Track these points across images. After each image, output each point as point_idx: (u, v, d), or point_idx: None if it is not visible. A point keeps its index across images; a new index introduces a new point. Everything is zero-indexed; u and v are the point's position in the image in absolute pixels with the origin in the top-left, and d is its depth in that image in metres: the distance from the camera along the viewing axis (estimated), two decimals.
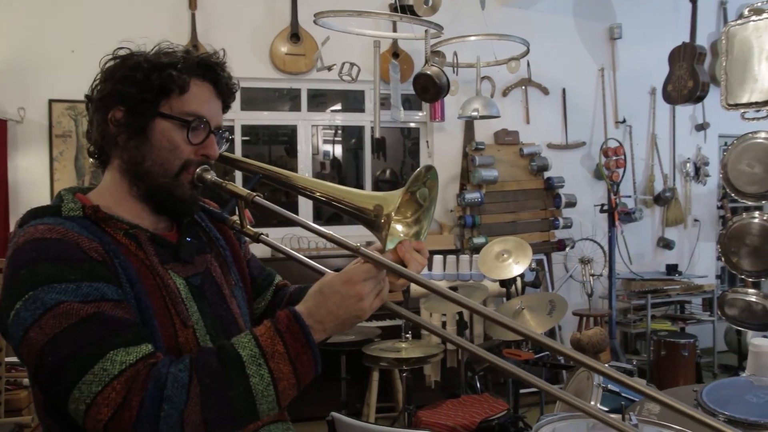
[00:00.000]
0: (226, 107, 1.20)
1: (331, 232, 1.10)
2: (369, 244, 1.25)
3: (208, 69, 1.14)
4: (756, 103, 3.23)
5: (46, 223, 1.02)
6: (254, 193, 1.12)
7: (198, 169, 1.12)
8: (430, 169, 1.11)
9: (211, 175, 1.13)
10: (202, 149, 1.13)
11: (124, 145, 1.10)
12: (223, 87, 1.17)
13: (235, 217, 1.21)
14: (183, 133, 1.10)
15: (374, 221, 1.06)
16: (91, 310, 0.94)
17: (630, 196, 5.25)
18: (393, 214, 1.04)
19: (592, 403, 2.53)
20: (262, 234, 1.18)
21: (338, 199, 1.13)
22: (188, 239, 1.17)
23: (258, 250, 4.15)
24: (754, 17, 3.17)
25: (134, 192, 1.12)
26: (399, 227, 1.13)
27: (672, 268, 5.20)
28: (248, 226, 1.19)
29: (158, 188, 1.11)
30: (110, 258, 1.02)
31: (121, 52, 1.12)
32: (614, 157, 4.93)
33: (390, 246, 1.08)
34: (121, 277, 1.02)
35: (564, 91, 5.17)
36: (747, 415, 1.53)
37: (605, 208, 4.74)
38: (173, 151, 1.10)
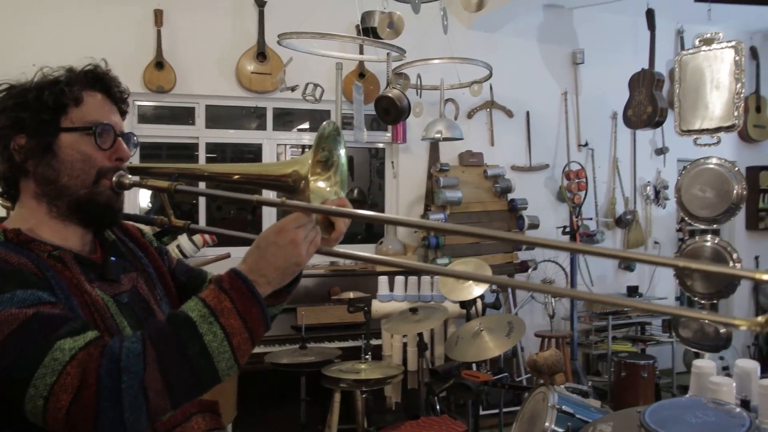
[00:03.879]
0: (122, 114, 1.22)
1: (255, 196, 1.15)
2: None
3: (97, 79, 1.16)
4: (707, 130, 3.33)
5: None
6: (175, 183, 1.15)
7: (114, 177, 1.14)
8: (332, 131, 1.19)
9: (128, 180, 1.15)
10: (113, 154, 1.15)
11: (34, 170, 1.11)
12: (115, 95, 1.19)
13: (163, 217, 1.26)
14: (91, 142, 1.12)
15: (294, 186, 1.14)
16: (31, 312, 0.94)
17: (592, 219, 5.34)
18: (309, 175, 1.12)
19: (546, 424, 2.55)
20: (191, 224, 1.23)
21: (258, 175, 1.20)
22: (112, 259, 1.18)
23: (223, 268, 4.10)
24: (704, 47, 3.28)
25: (54, 213, 1.13)
26: (321, 184, 1.21)
27: (633, 290, 5.29)
28: (175, 219, 1.23)
29: (80, 200, 1.12)
30: (41, 272, 1.02)
31: (2, 87, 1.13)
32: (576, 180, 5.03)
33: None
34: (55, 289, 1.02)
35: (528, 114, 5.26)
36: None
37: (567, 230, 4.82)
38: (86, 161, 1.12)
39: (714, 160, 3.37)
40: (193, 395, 1.00)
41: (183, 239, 3.84)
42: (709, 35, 3.37)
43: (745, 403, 1.85)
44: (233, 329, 0.98)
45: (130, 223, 1.36)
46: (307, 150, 4.36)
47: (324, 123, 1.18)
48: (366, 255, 1.25)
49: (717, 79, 3.30)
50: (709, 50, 3.33)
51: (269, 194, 3.14)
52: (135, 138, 1.23)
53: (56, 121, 1.10)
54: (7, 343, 0.91)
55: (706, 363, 1.92)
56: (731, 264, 3.28)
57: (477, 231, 1.10)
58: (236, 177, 1.22)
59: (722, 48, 3.28)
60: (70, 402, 0.89)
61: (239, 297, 1.00)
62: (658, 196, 5.65)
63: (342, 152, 1.22)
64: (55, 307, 0.98)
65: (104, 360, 0.90)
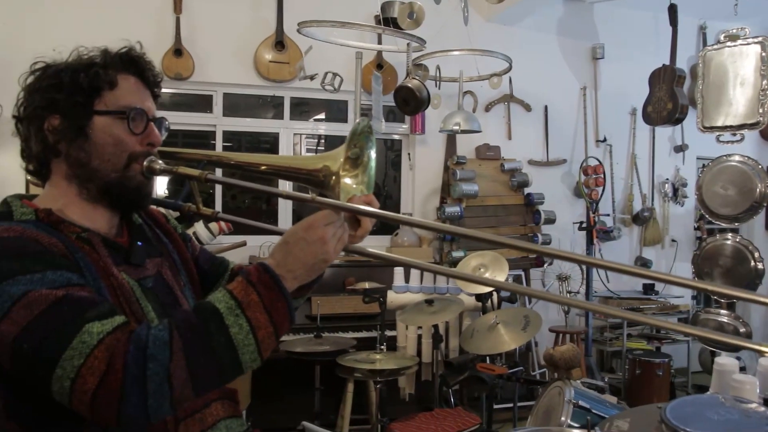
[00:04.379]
0: (155, 98, 1.22)
1: (284, 190, 1.16)
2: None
3: (132, 62, 1.16)
4: (731, 127, 3.29)
5: (1, 225, 1.03)
6: (206, 172, 1.15)
7: (145, 162, 1.14)
8: (365, 129, 1.19)
9: (159, 165, 1.15)
10: (145, 138, 1.15)
11: (66, 151, 1.11)
12: (149, 78, 1.19)
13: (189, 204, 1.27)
14: (124, 126, 1.12)
15: (324, 180, 1.14)
16: (61, 293, 0.95)
17: (609, 215, 5.29)
18: (340, 171, 1.12)
19: (563, 419, 2.53)
20: (218, 212, 1.24)
21: (287, 167, 1.20)
22: (139, 243, 1.19)
23: (239, 256, 4.11)
24: (729, 43, 3.23)
25: (84, 194, 1.13)
26: (348, 180, 1.22)
27: (649, 288, 5.24)
28: (204, 207, 1.23)
29: (110, 184, 1.12)
30: (70, 254, 1.03)
31: (38, 66, 1.13)
32: (594, 176, 4.98)
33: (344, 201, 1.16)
34: (84, 271, 1.03)
35: (546, 108, 5.22)
36: None
37: (584, 225, 4.78)
38: (118, 145, 1.12)
39: (737, 158, 3.33)
40: (215, 385, 1.02)
41: (199, 226, 3.85)
42: (734, 31, 3.32)
43: None
44: (259, 323, 0.99)
45: (156, 208, 1.37)
46: (323, 140, 4.33)
47: (358, 119, 1.17)
48: (389, 255, 1.29)
49: (742, 76, 3.26)
50: (734, 46, 3.28)
51: (285, 185, 3.12)
52: (167, 123, 1.23)
53: (90, 104, 1.10)
54: (37, 324, 0.92)
55: (728, 360, 1.89)
56: (752, 263, 3.24)
57: (506, 241, 1.10)
58: (264, 168, 1.23)
59: (748, 44, 3.24)
60: (96, 385, 0.90)
61: (266, 291, 1.01)
62: (677, 194, 5.59)
63: (372, 153, 1.22)
64: (84, 289, 0.98)
65: (131, 346, 0.92)
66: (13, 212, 1.08)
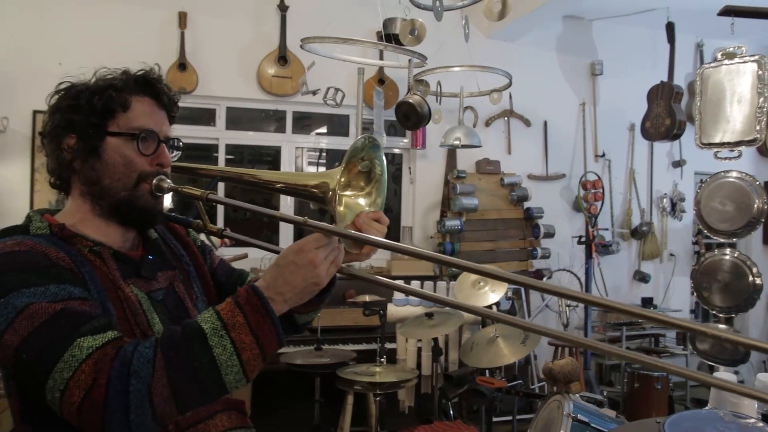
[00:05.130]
0: (171, 118, 1.25)
1: (279, 212, 1.18)
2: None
3: (147, 85, 1.20)
4: (728, 143, 3.33)
5: (15, 239, 1.08)
6: (208, 191, 1.18)
7: (155, 180, 1.18)
8: (366, 142, 1.18)
9: (167, 184, 1.19)
10: (155, 159, 1.19)
11: (80, 169, 1.16)
12: (163, 99, 1.23)
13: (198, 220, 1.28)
14: (134, 147, 1.16)
15: (323, 197, 1.14)
16: (59, 306, 0.99)
17: (607, 229, 5.33)
18: (338, 188, 1.11)
19: None
20: (225, 229, 1.25)
21: (293, 184, 1.21)
22: (150, 257, 1.23)
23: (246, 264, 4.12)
24: (726, 61, 3.28)
25: (97, 210, 1.18)
26: (361, 201, 1.21)
27: (647, 302, 5.26)
28: (210, 224, 1.25)
29: (120, 202, 1.17)
30: (77, 268, 1.07)
31: (63, 86, 1.18)
32: (593, 190, 5.02)
33: (350, 218, 1.15)
34: (89, 284, 1.07)
35: (546, 123, 5.27)
36: None
37: (583, 239, 4.80)
38: (128, 165, 1.16)
39: (734, 174, 3.36)
40: (199, 403, 1.03)
41: (202, 238, 3.87)
42: (731, 49, 3.37)
43: (766, 418, 1.84)
44: (243, 344, 1.00)
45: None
46: (324, 154, 4.36)
47: (360, 136, 1.18)
48: (384, 279, 1.23)
49: (739, 93, 3.30)
50: (731, 64, 3.33)
51: (286, 202, 3.13)
52: (179, 143, 1.27)
53: (104, 125, 1.15)
54: (35, 336, 0.97)
55: (726, 376, 1.92)
56: (751, 279, 3.27)
57: (498, 274, 1.10)
58: (279, 185, 1.24)
59: (744, 62, 3.28)
60: (81, 398, 0.94)
61: (253, 313, 1.02)
62: (675, 209, 5.62)
63: (384, 165, 1.21)
64: (84, 303, 1.02)
65: (117, 362, 0.95)
66: (30, 226, 1.13)
